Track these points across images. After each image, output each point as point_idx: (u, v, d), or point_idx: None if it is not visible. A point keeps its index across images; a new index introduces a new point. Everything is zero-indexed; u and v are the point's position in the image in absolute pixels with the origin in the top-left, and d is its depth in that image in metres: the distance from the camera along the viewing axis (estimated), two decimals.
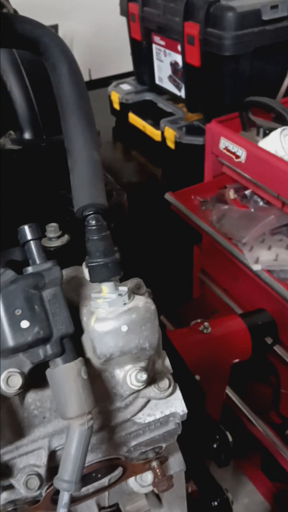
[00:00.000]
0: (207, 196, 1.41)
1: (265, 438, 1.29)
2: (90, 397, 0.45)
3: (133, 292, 0.53)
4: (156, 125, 1.55)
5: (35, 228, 0.48)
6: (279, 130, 1.22)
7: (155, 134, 1.56)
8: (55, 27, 2.54)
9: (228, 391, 1.29)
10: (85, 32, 2.54)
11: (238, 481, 1.59)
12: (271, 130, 1.27)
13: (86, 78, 2.50)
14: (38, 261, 0.47)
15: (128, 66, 1.81)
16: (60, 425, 0.50)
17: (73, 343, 0.47)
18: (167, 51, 1.52)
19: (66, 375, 0.45)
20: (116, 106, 1.70)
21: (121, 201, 0.59)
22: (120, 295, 0.48)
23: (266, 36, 1.32)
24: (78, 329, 0.49)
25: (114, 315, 0.47)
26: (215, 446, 0.76)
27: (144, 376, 0.48)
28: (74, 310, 0.51)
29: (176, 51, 1.47)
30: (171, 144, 1.50)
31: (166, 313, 1.54)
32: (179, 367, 0.85)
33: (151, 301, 0.49)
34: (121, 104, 1.68)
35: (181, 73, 1.48)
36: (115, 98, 1.69)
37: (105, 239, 0.49)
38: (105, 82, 1.94)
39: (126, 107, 1.67)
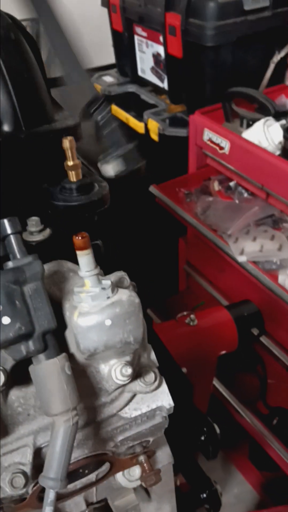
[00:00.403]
0: (192, 188, 1.40)
1: (252, 428, 1.30)
2: (74, 393, 0.45)
3: (116, 286, 0.52)
4: (139, 117, 1.54)
5: (15, 221, 0.47)
6: (262, 120, 1.22)
7: (139, 126, 1.54)
8: (37, 20, 2.50)
9: (216, 383, 1.30)
10: (67, 24, 2.50)
11: (227, 472, 1.60)
12: (255, 120, 1.26)
13: None
14: (18, 256, 0.46)
15: (111, 58, 1.79)
16: (45, 422, 0.49)
17: (56, 339, 0.46)
18: (149, 42, 1.50)
19: (49, 371, 0.44)
20: None
21: (103, 194, 0.58)
22: (103, 288, 0.48)
23: (247, 26, 1.31)
24: (61, 324, 0.48)
25: (98, 309, 0.46)
26: (202, 438, 0.76)
27: (129, 371, 0.47)
28: (57, 305, 0.50)
29: (158, 42, 1.45)
30: (154, 136, 1.49)
31: (152, 306, 1.54)
32: (166, 360, 0.85)
33: (135, 295, 0.49)
34: (104, 96, 1.66)
35: (163, 65, 1.46)
36: (98, 90, 1.67)
37: None
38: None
39: (109, 99, 1.64)
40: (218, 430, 0.78)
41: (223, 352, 1.01)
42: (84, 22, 2.37)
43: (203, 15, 1.28)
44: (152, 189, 1.37)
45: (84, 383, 0.50)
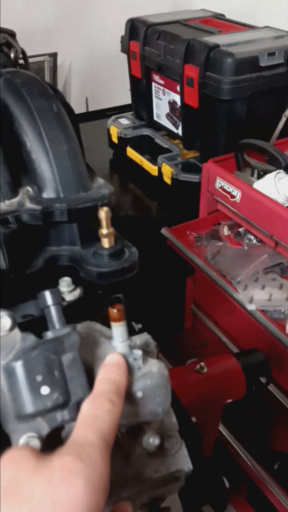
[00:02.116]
0: (202, 232, 1.44)
1: (253, 471, 1.30)
2: None
3: (143, 349, 0.55)
4: (153, 160, 1.59)
5: (56, 293, 0.49)
6: (273, 173, 1.26)
7: (152, 169, 1.59)
8: (54, 55, 2.59)
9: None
10: (84, 62, 2.59)
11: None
12: (265, 171, 1.31)
13: (83, 107, 2.54)
14: (57, 326, 0.49)
15: (126, 99, 1.86)
16: None
17: None
18: (166, 90, 1.57)
19: None
20: (115, 139, 1.74)
21: (133, 260, 0.61)
22: (135, 359, 0.50)
23: (262, 81, 1.37)
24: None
25: (130, 380, 0.49)
26: (212, 492, 0.77)
27: (156, 441, 0.50)
28: (89, 370, 0.52)
29: (175, 91, 1.51)
30: (167, 180, 1.54)
31: (158, 344, 1.55)
32: (177, 410, 0.86)
33: (164, 366, 0.51)
34: (119, 138, 1.71)
35: (179, 112, 1.52)
36: (114, 132, 1.73)
37: None
38: (101, 114, 1.97)
39: (124, 141, 1.70)
40: (227, 485, 0.80)
41: (230, 400, 1.03)
42: (103, 61, 2.46)
43: (221, 70, 1.34)
44: (164, 231, 1.40)
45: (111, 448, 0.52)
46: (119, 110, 1.95)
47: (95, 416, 0.42)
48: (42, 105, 0.63)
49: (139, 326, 1.13)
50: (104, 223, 0.58)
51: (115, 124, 1.75)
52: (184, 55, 1.41)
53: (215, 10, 1.73)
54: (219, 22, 1.62)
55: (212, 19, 1.65)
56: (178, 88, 1.48)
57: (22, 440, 0.46)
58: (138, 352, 0.51)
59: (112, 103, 2.08)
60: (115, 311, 0.50)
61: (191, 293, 1.58)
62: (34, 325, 0.59)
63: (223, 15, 1.70)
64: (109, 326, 0.59)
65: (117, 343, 0.50)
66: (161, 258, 1.52)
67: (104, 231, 0.59)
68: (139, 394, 0.48)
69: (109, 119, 1.82)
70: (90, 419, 0.42)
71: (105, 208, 0.58)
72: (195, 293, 1.56)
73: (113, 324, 0.50)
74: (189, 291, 1.59)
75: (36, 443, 0.46)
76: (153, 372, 0.50)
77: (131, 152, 1.69)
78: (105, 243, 0.60)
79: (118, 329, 0.50)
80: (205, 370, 1.01)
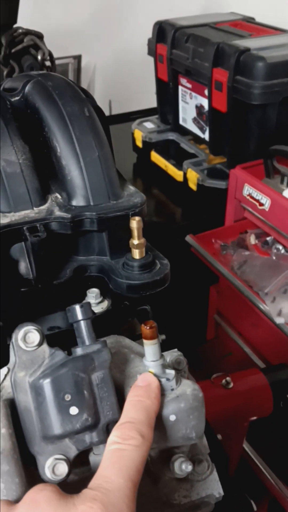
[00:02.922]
0: (228, 240, 1.40)
1: (276, 489, 1.26)
2: None
3: (173, 368, 0.52)
4: (178, 165, 1.56)
5: (87, 307, 0.47)
6: None
7: (178, 174, 1.57)
8: (79, 57, 2.59)
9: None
10: (108, 64, 2.58)
11: None
12: None
13: (106, 110, 2.53)
14: (87, 342, 0.46)
15: (151, 102, 1.83)
16: None
17: None
18: (193, 94, 1.54)
19: None
20: (139, 144, 1.72)
21: (165, 273, 0.58)
22: (167, 379, 0.47)
23: None
24: (122, 405, 0.48)
25: (162, 402, 0.46)
26: None
27: (189, 468, 0.47)
28: (119, 388, 0.50)
29: (202, 95, 1.48)
30: (193, 186, 1.51)
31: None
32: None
33: (198, 388, 0.48)
34: (144, 142, 1.69)
35: (206, 117, 1.49)
36: (139, 136, 1.71)
37: None
38: (126, 117, 1.95)
39: (149, 145, 1.68)
40: (255, 508, 0.76)
41: (256, 417, 0.99)
42: (127, 64, 2.45)
43: (251, 74, 1.30)
44: (189, 239, 1.37)
45: None
46: (144, 113, 1.93)
47: (122, 452, 0.39)
48: (73, 109, 0.61)
49: (163, 337, 1.09)
50: (135, 233, 0.56)
51: (140, 127, 1.72)
52: (213, 58, 1.38)
53: (245, 13, 1.70)
54: (249, 25, 1.59)
55: (242, 22, 1.62)
56: (206, 92, 1.45)
57: (48, 462, 0.44)
58: (171, 372, 0.48)
59: (137, 106, 2.05)
60: (147, 327, 0.47)
61: (215, 303, 1.54)
62: (60, 337, 0.57)
63: (253, 18, 1.67)
64: (134, 339, 0.57)
65: (149, 362, 0.47)
66: (185, 266, 1.49)
67: (135, 241, 0.57)
68: (171, 417, 0.46)
69: (133, 122, 1.80)
70: (117, 457, 0.39)
71: (137, 218, 0.56)
72: (219, 302, 1.52)
73: (145, 342, 0.47)
74: (212, 300, 1.55)
75: (63, 466, 0.44)
76: (187, 394, 0.47)
77: (155, 157, 1.66)
78: (136, 254, 0.58)
79: (150, 348, 0.47)
80: (231, 385, 0.98)
